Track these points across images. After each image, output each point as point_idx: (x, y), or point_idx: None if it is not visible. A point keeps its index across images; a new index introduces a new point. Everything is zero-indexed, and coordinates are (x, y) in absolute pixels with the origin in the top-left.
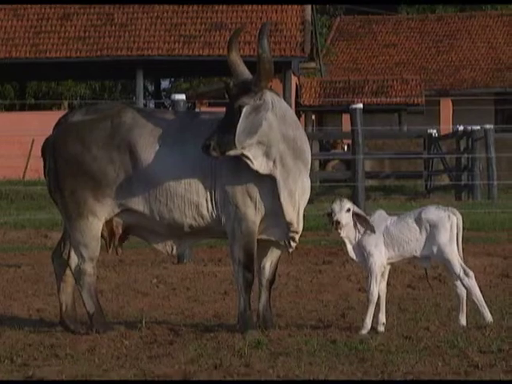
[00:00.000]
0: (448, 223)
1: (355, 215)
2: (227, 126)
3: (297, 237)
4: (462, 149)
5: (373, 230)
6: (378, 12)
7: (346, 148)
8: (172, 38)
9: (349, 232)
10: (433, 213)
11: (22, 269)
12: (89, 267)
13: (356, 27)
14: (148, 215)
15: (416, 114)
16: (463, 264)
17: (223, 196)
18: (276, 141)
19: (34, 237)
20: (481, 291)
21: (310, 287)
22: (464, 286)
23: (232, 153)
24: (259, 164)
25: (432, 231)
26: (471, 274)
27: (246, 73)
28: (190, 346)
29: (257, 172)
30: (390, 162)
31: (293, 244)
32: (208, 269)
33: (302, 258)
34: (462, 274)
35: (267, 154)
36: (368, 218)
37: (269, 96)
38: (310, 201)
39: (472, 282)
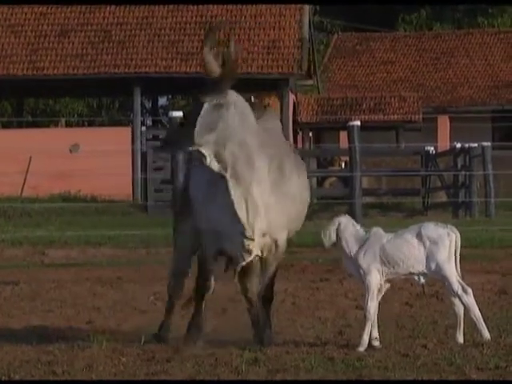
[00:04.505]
0: (447, 240)
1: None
2: (188, 123)
3: (251, 245)
4: (459, 166)
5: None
6: (375, 29)
7: (343, 165)
8: (169, 55)
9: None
10: (432, 230)
11: (19, 286)
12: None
13: (353, 44)
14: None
15: (413, 132)
16: (461, 281)
17: None
18: (231, 142)
19: (31, 254)
20: (478, 308)
21: (307, 304)
22: (462, 303)
23: (190, 149)
24: (213, 162)
25: (431, 248)
26: (469, 291)
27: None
28: (187, 363)
29: (198, 179)
30: (387, 179)
31: (246, 256)
32: None
33: (299, 275)
34: (460, 292)
35: (221, 153)
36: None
37: (233, 97)
38: (308, 218)
39: (470, 300)
